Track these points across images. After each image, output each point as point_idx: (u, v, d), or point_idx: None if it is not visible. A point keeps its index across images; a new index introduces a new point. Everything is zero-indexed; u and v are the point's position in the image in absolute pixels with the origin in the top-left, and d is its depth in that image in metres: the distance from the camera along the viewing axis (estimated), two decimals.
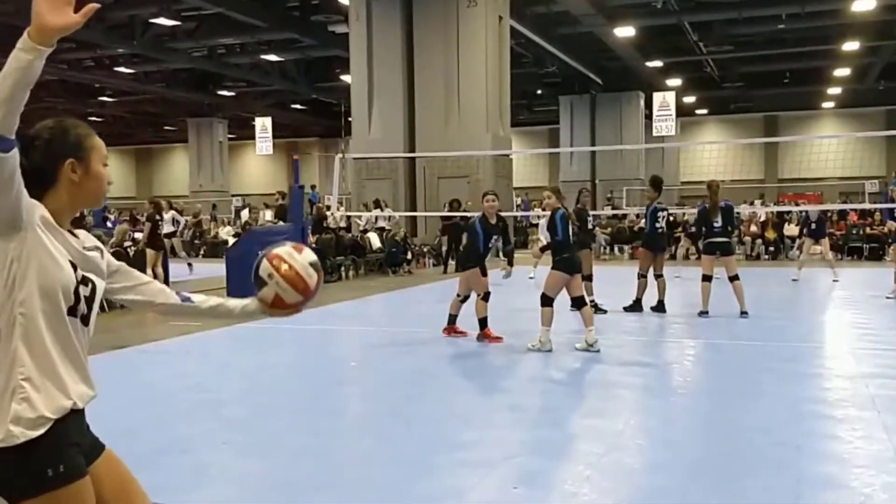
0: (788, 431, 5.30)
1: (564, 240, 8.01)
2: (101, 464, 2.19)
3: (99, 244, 2.22)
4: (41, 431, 1.94)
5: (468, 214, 18.68)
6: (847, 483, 4.35)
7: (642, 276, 10.99)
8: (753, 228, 21.59)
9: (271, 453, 5.06)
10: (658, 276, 10.86)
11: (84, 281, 2.09)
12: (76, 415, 2.04)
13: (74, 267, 2.05)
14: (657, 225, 10.95)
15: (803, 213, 16.41)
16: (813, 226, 15.23)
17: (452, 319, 9.10)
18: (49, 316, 1.99)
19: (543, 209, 8.69)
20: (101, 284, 2.17)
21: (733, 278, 10.42)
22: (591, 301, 10.25)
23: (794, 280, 14.66)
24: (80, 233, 2.17)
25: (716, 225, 10.30)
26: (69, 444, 2.01)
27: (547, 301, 8.08)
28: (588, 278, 10.28)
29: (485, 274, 8.79)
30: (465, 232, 9.78)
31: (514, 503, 4.14)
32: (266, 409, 6.20)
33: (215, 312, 2.54)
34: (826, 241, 15.51)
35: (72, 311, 2.04)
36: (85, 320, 2.10)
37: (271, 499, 4.21)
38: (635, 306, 10.88)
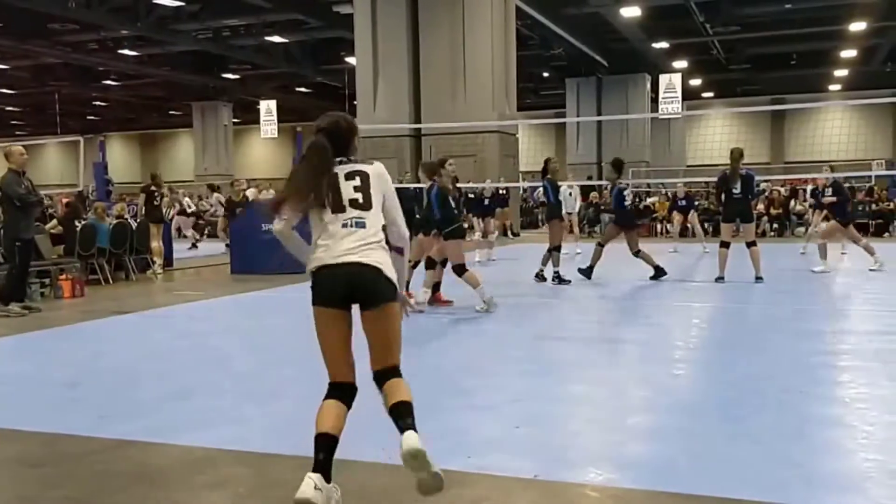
0: (793, 379, 5.29)
1: (444, 214, 8.47)
2: (367, 315, 3.22)
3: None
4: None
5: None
6: (850, 422, 4.34)
7: (601, 245, 11.27)
8: (760, 206, 21.51)
9: (273, 400, 5.07)
10: (637, 253, 11.00)
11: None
12: (327, 269, 3.20)
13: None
14: (625, 203, 11.27)
15: (816, 187, 16.02)
16: (823, 198, 14.95)
17: (405, 286, 9.10)
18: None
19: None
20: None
21: (750, 244, 10.54)
22: (555, 272, 10.74)
23: (801, 253, 14.51)
24: None
25: (735, 191, 10.28)
26: (319, 283, 3.23)
27: (461, 269, 8.40)
28: (556, 248, 10.82)
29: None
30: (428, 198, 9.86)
31: (517, 440, 4.13)
32: (269, 363, 6.21)
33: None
34: None
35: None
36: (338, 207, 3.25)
37: (271, 439, 4.21)
38: (587, 272, 11.06)
